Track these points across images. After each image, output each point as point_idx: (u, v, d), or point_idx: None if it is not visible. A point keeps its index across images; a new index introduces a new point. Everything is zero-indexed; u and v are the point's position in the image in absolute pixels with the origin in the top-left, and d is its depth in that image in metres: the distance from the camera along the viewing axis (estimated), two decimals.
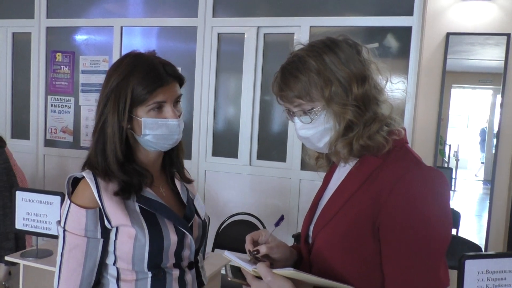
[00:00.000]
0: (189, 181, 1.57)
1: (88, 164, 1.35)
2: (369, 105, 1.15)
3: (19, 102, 4.97)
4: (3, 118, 5.00)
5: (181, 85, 1.41)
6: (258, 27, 4.04)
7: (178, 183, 1.50)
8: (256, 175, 4.14)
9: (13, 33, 4.96)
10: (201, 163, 4.29)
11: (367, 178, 1.14)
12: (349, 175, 1.20)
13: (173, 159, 1.50)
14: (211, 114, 4.24)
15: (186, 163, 1.63)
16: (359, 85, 1.13)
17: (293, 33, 3.97)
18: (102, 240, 1.30)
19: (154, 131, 1.34)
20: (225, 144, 4.26)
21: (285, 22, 3.98)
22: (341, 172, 1.25)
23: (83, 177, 1.33)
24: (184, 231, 1.39)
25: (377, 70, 1.18)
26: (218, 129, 4.28)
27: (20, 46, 4.93)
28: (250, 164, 4.18)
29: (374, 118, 1.15)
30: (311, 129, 1.19)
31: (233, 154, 4.23)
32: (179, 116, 1.37)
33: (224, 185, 4.23)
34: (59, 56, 4.71)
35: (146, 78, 1.29)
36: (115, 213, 1.29)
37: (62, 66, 4.71)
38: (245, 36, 4.08)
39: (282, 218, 1.23)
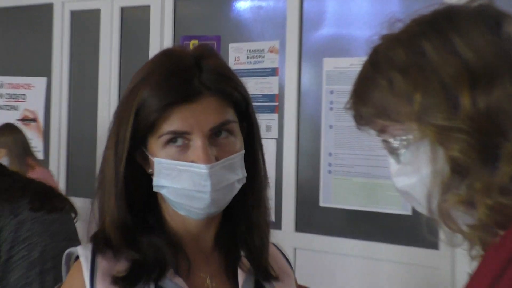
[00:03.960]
0: (268, 278, 0.98)
1: (95, 232, 0.95)
2: (505, 128, 0.71)
3: None
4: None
5: (238, 106, 0.89)
6: None
7: (241, 275, 0.97)
8: None
9: (122, 8, 3.36)
10: None
11: (499, 273, 0.70)
12: (478, 267, 0.79)
13: (239, 232, 0.98)
14: None
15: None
16: (479, 90, 0.70)
17: None
18: None
19: (172, 182, 0.86)
20: None
21: None
22: None
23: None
24: None
25: None
26: None
27: (132, 31, 3.37)
28: None
29: None
30: (411, 174, 0.77)
31: None
32: (218, 160, 0.85)
33: None
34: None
35: (160, 86, 0.83)
36: None
37: None
38: None
39: None
